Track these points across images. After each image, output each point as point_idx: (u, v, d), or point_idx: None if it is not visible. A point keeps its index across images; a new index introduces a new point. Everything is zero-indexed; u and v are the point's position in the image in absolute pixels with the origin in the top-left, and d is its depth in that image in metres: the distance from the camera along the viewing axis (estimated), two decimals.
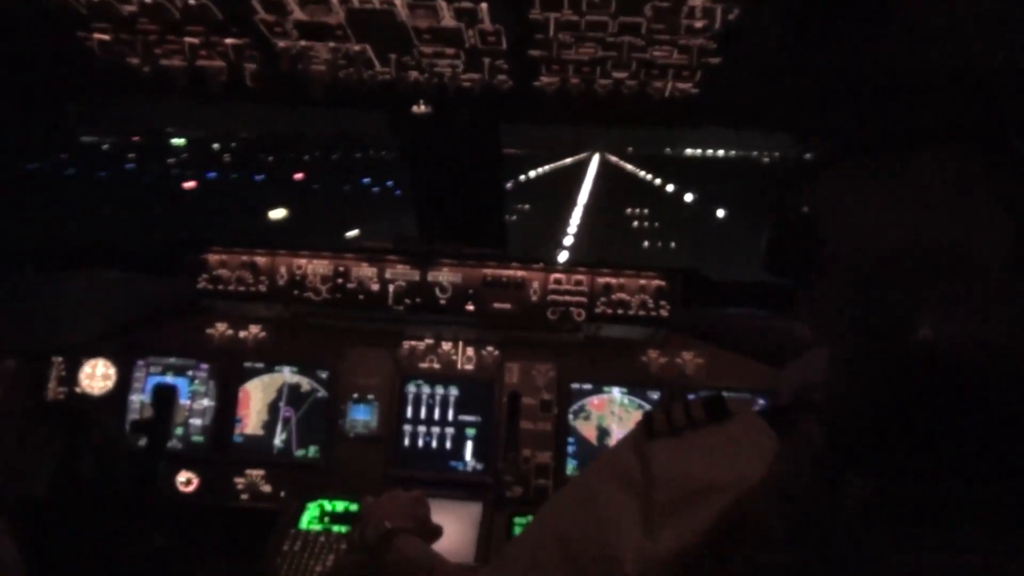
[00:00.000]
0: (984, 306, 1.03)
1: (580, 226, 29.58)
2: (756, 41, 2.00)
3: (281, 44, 2.27)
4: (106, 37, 2.27)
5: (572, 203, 39.45)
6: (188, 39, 2.26)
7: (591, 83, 2.35)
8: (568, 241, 25.35)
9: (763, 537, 1.06)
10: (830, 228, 1.33)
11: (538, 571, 1.29)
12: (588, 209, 36.96)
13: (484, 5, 1.96)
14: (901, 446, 1.04)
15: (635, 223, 31.71)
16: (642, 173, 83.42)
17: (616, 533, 1.21)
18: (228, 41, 2.27)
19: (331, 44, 2.24)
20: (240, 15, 2.12)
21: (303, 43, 2.25)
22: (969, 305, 1.03)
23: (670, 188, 56.38)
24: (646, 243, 24.92)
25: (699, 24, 1.94)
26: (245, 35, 2.23)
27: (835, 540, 1.01)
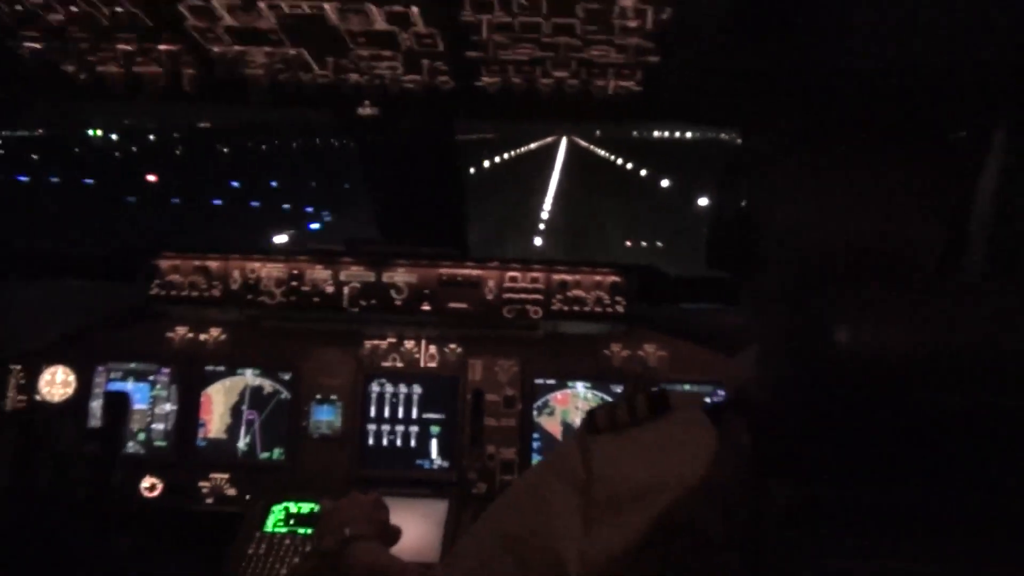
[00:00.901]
0: (909, 308, 1.02)
1: (553, 215, 29.34)
2: (692, 40, 1.98)
3: (216, 49, 2.23)
4: (37, 45, 2.22)
5: (543, 191, 39.06)
6: (121, 46, 2.22)
7: (533, 82, 2.33)
8: (541, 231, 25.22)
9: (701, 540, 1.06)
10: (765, 224, 1.32)
11: (485, 568, 1.29)
12: (559, 196, 36.66)
13: (415, 9, 1.93)
14: (822, 451, 1.04)
15: (608, 210, 31.65)
16: (613, 157, 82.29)
17: (558, 530, 1.20)
18: (162, 47, 2.23)
19: (266, 48, 2.20)
20: (170, 22, 2.08)
21: (237, 48, 2.21)
22: (893, 307, 1.02)
23: (643, 172, 55.74)
24: (621, 230, 24.78)
25: (632, 24, 1.91)
26: (178, 41, 2.19)
27: (764, 544, 1.01)
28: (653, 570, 1.10)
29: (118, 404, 3.06)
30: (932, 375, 0.96)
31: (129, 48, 2.24)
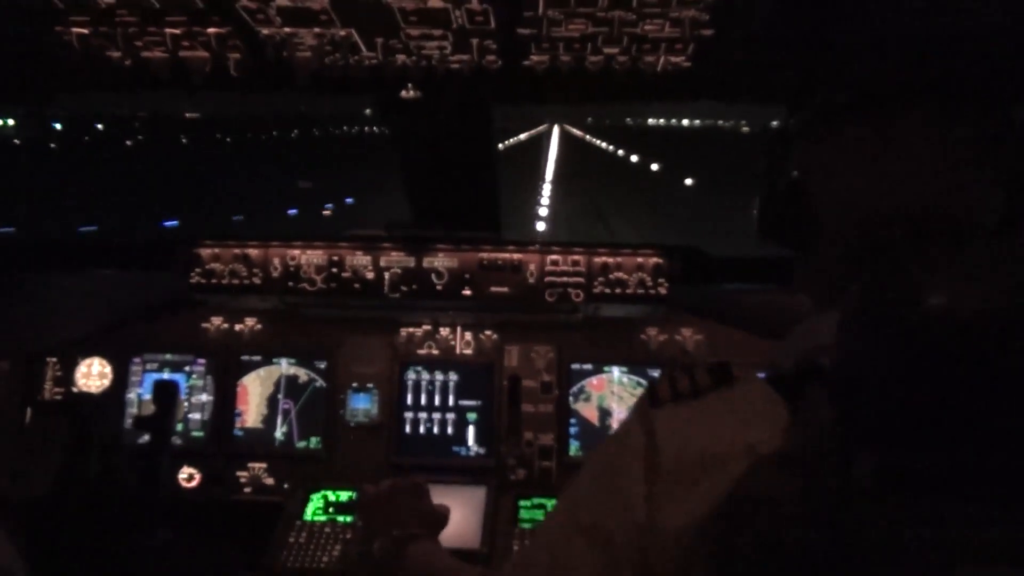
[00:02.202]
0: (987, 272, 1.01)
1: (551, 207, 29.17)
2: (747, 10, 1.96)
3: (264, 32, 2.21)
4: (84, 31, 2.21)
5: (538, 182, 38.69)
6: (169, 30, 2.20)
7: (582, 60, 2.31)
8: (541, 225, 25.05)
9: (776, 511, 1.04)
10: (820, 193, 1.31)
11: (560, 561, 1.27)
12: (556, 187, 36.42)
13: None
14: (914, 418, 1.02)
15: (607, 198, 31.50)
16: (606, 145, 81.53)
17: (628, 507, 1.19)
18: (210, 31, 2.21)
19: (316, 30, 2.19)
20: (222, 3, 2.06)
21: (287, 30, 2.20)
22: (973, 271, 1.01)
23: (635, 159, 55.50)
24: (623, 220, 24.65)
25: None
26: (227, 24, 2.17)
27: (848, 515, 1.00)
28: (726, 542, 1.08)
29: (167, 393, 3.06)
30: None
31: (176, 32, 2.22)
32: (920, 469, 1.00)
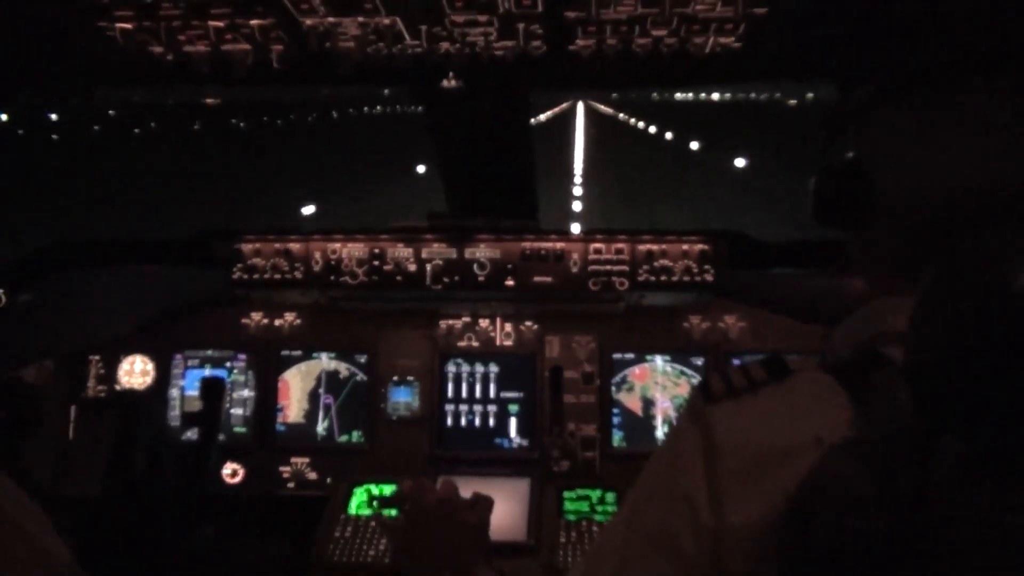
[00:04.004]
0: None
1: (585, 191, 28.22)
2: None
3: (308, 22, 2.19)
4: (128, 26, 2.20)
5: (568, 164, 37.69)
6: (212, 23, 2.19)
7: (629, 43, 2.26)
8: (577, 207, 24.47)
9: (851, 502, 1.01)
10: (883, 172, 1.26)
11: (624, 565, 1.24)
12: (587, 170, 35.29)
13: None
14: (999, 402, 0.98)
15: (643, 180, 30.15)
16: (634, 121, 78.64)
17: (688, 511, 1.16)
18: (254, 22, 2.19)
19: (360, 19, 2.17)
20: None
21: (331, 20, 2.18)
22: None
23: (669, 136, 53.26)
24: (662, 204, 23.88)
25: None
26: (271, 15, 2.16)
27: (931, 502, 0.96)
28: (798, 535, 1.05)
29: (215, 389, 3.07)
30: None
31: (220, 25, 2.21)
32: (1009, 455, 0.97)
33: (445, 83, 2.60)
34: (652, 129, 60.28)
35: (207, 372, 3.54)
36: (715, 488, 1.15)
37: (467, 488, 2.20)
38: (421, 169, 29.17)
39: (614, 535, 1.30)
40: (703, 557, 1.15)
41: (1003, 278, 0.96)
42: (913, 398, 1.05)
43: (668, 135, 52.06)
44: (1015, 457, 0.97)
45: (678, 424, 1.29)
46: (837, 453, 1.07)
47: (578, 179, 31.80)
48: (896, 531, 0.97)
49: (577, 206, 24.74)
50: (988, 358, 0.99)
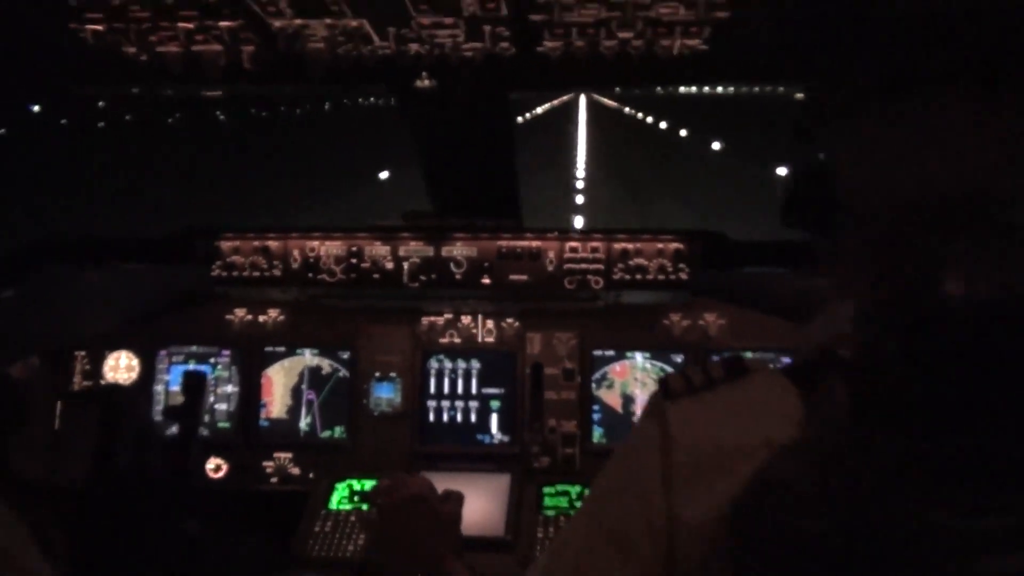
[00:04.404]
0: (1012, 258, 0.98)
1: (588, 184, 27.78)
2: None
3: (277, 24, 2.22)
4: (99, 27, 2.23)
5: (571, 157, 37.07)
6: (182, 24, 2.22)
7: (596, 46, 2.28)
8: (580, 200, 24.16)
9: (794, 500, 1.03)
10: (846, 177, 1.28)
11: (582, 560, 1.26)
12: (591, 163, 34.69)
13: None
14: (932, 405, 1.00)
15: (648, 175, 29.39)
16: (640, 115, 77.27)
17: (643, 507, 1.18)
18: (223, 24, 2.22)
19: (328, 21, 2.19)
20: None
21: (299, 21, 2.20)
22: (996, 257, 0.98)
23: (683, 133, 52.12)
24: (666, 199, 23.47)
25: None
26: (239, 17, 2.18)
27: (869, 503, 0.98)
28: (746, 532, 1.07)
29: (196, 383, 3.10)
30: None
31: (190, 27, 2.23)
32: (940, 456, 0.99)
33: (418, 83, 2.62)
34: (663, 125, 59.28)
35: (191, 367, 3.57)
36: (669, 484, 1.17)
37: (447, 484, 2.24)
38: (384, 175, 28.54)
39: (575, 530, 1.33)
40: (658, 553, 1.17)
41: (933, 286, 0.98)
42: (850, 398, 1.08)
43: (683, 132, 50.97)
44: (944, 459, 0.99)
45: (639, 421, 1.32)
46: (782, 454, 1.09)
47: (580, 172, 31.52)
48: (836, 532, 0.99)
49: (580, 199, 24.56)
50: (918, 361, 1.01)
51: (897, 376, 1.03)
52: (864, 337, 1.14)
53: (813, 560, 0.99)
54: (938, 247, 1.01)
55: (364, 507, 3.19)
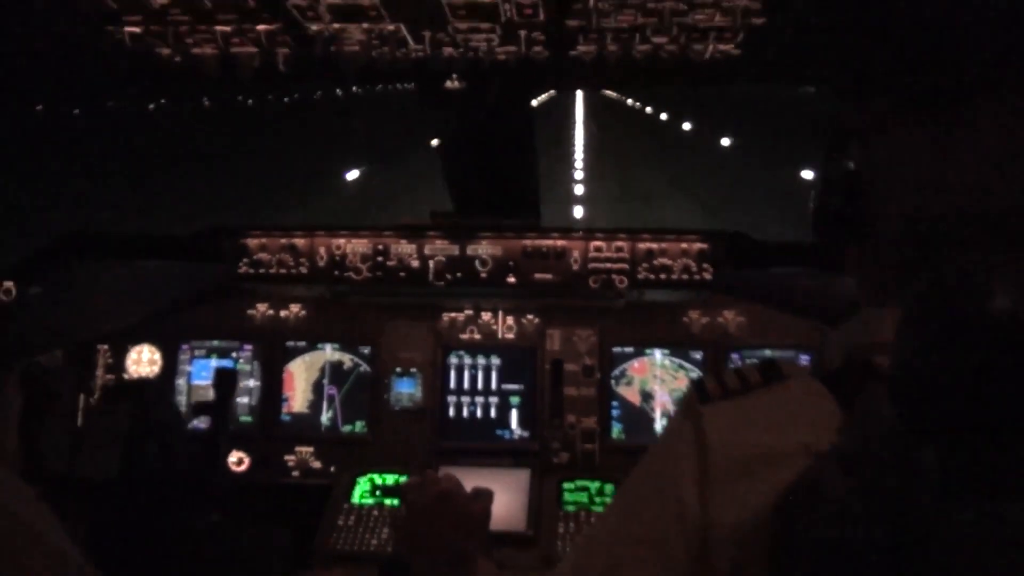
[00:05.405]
0: None
1: (586, 178, 27.47)
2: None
3: (314, 28, 2.23)
4: (137, 30, 2.24)
5: (569, 150, 36.71)
6: (219, 27, 2.22)
7: (630, 49, 2.30)
8: (578, 197, 23.87)
9: (836, 512, 1.05)
10: (883, 187, 1.29)
11: (612, 562, 1.27)
12: (588, 156, 34.37)
13: None
14: (978, 419, 1.02)
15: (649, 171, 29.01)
16: (639, 105, 75.83)
17: (677, 510, 1.19)
18: (260, 27, 2.23)
19: (364, 25, 2.20)
20: (273, 1, 2.08)
21: (336, 26, 2.21)
22: None
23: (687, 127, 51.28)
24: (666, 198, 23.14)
25: None
26: (277, 20, 2.19)
27: (913, 515, 1.00)
28: (783, 540, 1.08)
29: (227, 379, 3.12)
30: None
31: (227, 29, 2.24)
32: (986, 467, 1.01)
33: (448, 84, 2.64)
34: (664, 116, 58.46)
35: (213, 362, 3.60)
36: (704, 487, 1.17)
37: (467, 479, 2.24)
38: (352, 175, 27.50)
39: (605, 530, 1.33)
40: (691, 556, 1.18)
41: (980, 300, 1.00)
42: (895, 410, 1.10)
43: (686, 126, 50.04)
44: (991, 472, 1.01)
45: (672, 423, 1.31)
46: (823, 463, 1.10)
47: (579, 163, 31.32)
48: (879, 544, 1.01)
49: (579, 189, 24.44)
50: (963, 377, 1.03)
51: (942, 390, 1.05)
52: (908, 349, 1.16)
53: (856, 571, 1.02)
54: (988, 262, 1.03)
55: (387, 502, 3.22)
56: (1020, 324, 0.97)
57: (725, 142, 37.81)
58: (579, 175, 27.82)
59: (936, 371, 1.06)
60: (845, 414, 1.16)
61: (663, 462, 1.27)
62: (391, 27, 2.20)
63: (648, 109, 67.34)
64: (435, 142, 3.24)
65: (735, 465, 1.16)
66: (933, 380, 1.06)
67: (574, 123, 52.16)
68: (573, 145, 38.68)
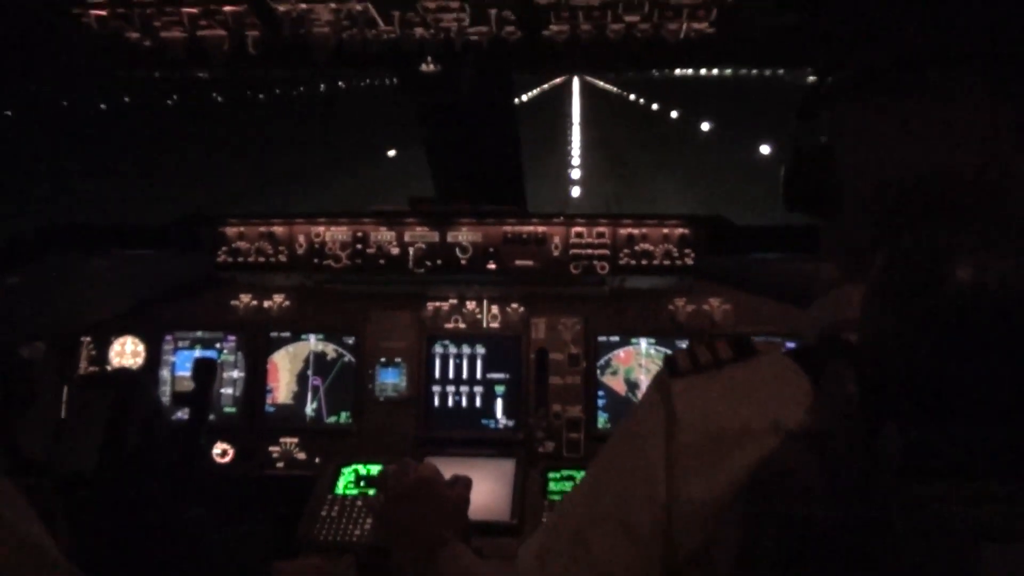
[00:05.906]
0: (1016, 245, 0.98)
1: (583, 171, 27.68)
2: None
3: (281, 8, 2.21)
4: (103, 12, 2.22)
5: (566, 143, 36.84)
6: (186, 9, 2.21)
7: (603, 29, 2.27)
8: (575, 191, 23.95)
9: (801, 488, 1.03)
10: (849, 159, 1.27)
11: (581, 540, 1.25)
12: (586, 149, 34.54)
13: None
14: (940, 394, 1.00)
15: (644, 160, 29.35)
16: (634, 97, 76.26)
17: (646, 487, 1.17)
18: (227, 9, 2.21)
19: (332, 5, 2.17)
20: None
21: (303, 6, 2.18)
22: (1007, 245, 0.98)
23: (674, 114, 51.98)
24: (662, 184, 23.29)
25: None
26: (243, 2, 2.17)
27: (875, 493, 0.98)
28: (751, 517, 1.06)
29: (207, 370, 3.10)
30: None
31: (194, 11, 2.22)
32: (947, 446, 0.98)
33: (424, 67, 2.61)
34: (655, 106, 59.15)
35: (197, 353, 3.58)
36: (673, 464, 1.16)
37: (452, 469, 2.21)
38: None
39: (573, 506, 1.32)
40: (657, 531, 1.16)
41: (942, 273, 0.97)
42: (858, 386, 1.07)
43: (674, 114, 50.87)
44: (951, 448, 0.98)
45: (643, 399, 1.30)
46: (791, 442, 1.08)
47: (575, 151, 31.44)
48: (845, 522, 0.99)
49: (576, 174, 24.48)
50: (926, 350, 1.00)
51: (905, 364, 1.03)
52: (871, 323, 1.14)
53: (821, 549, 0.99)
54: (949, 234, 1.01)
55: (371, 492, 3.20)
56: (981, 297, 0.95)
57: (705, 127, 38.51)
58: (576, 160, 27.94)
59: (898, 345, 1.04)
60: (815, 391, 1.14)
61: (632, 438, 1.25)
62: (359, 7, 2.18)
63: (641, 100, 68.00)
64: (417, 127, 3.20)
65: (705, 441, 1.14)
66: (895, 355, 1.04)
67: (571, 117, 52.66)
68: (570, 134, 38.84)
